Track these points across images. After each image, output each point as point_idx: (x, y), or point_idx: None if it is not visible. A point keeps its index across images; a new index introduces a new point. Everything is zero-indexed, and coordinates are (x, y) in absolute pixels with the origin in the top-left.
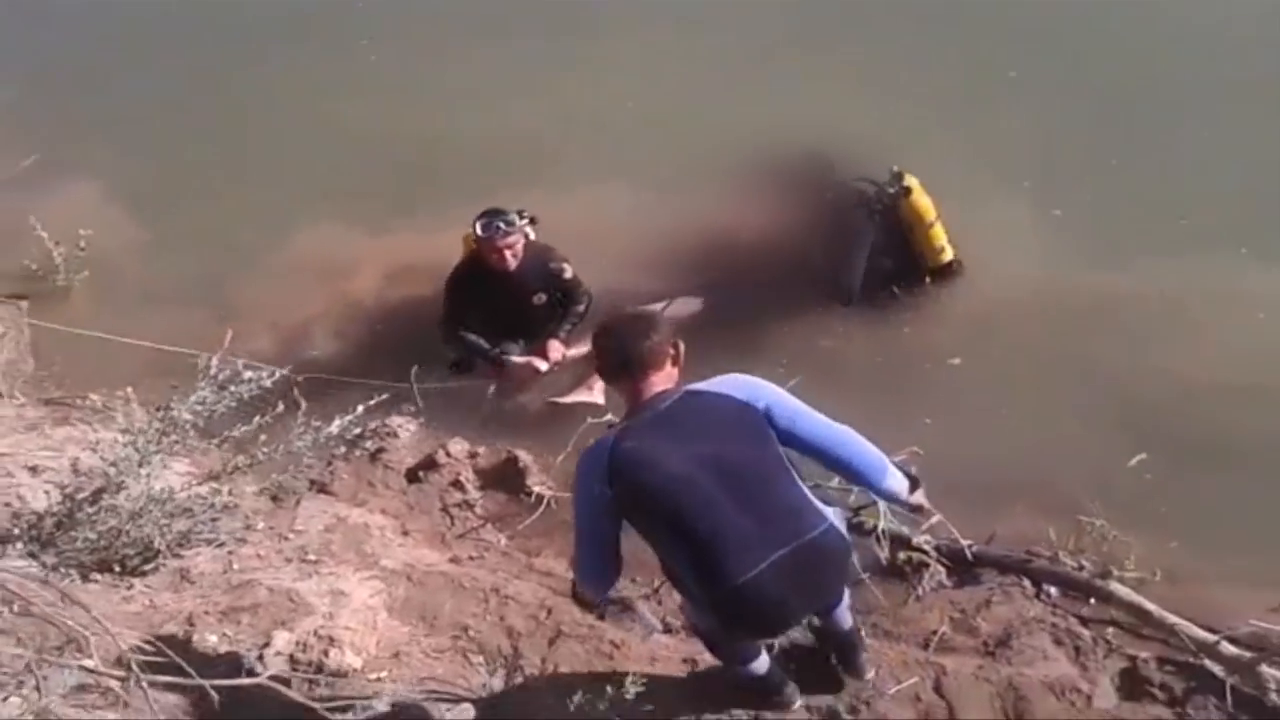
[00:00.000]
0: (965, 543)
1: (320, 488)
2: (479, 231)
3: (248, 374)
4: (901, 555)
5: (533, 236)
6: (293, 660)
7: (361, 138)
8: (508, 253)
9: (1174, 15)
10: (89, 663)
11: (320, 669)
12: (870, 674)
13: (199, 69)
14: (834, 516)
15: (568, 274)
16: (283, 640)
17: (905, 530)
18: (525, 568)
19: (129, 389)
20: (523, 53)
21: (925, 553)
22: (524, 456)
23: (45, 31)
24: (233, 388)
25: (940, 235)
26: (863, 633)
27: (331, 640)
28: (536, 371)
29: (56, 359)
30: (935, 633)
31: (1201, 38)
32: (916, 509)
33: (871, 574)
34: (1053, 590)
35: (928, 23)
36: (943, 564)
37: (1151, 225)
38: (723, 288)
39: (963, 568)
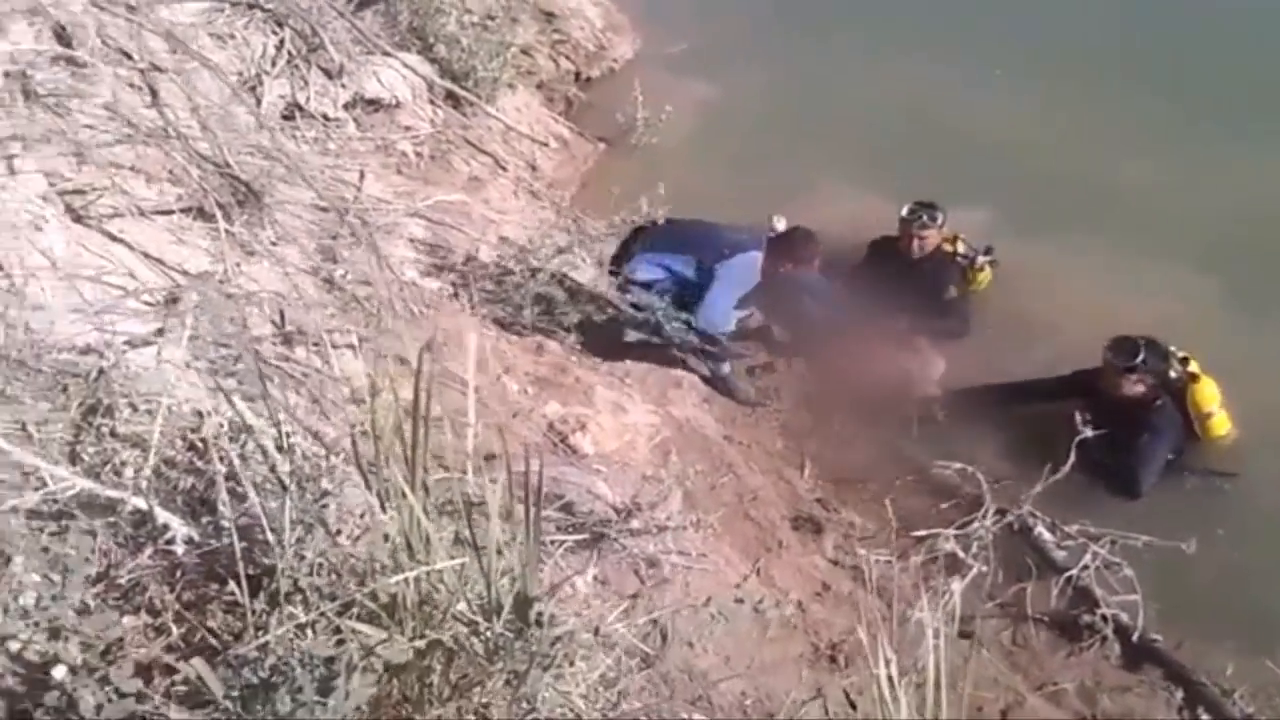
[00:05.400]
0: (1140, 630)
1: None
2: (904, 212)
3: None
4: (1085, 616)
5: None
6: (550, 424)
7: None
8: (915, 241)
9: None
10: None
11: (564, 438)
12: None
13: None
14: None
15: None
16: (553, 408)
17: (1097, 591)
18: (775, 470)
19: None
20: None
21: (1104, 621)
22: None
23: None
24: None
25: (1223, 424)
26: None
27: (583, 426)
28: None
29: (596, 188)
30: (1056, 684)
31: None
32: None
33: (1041, 616)
34: (1203, 716)
35: None
36: (1117, 640)
37: None
38: None
39: (1133, 654)
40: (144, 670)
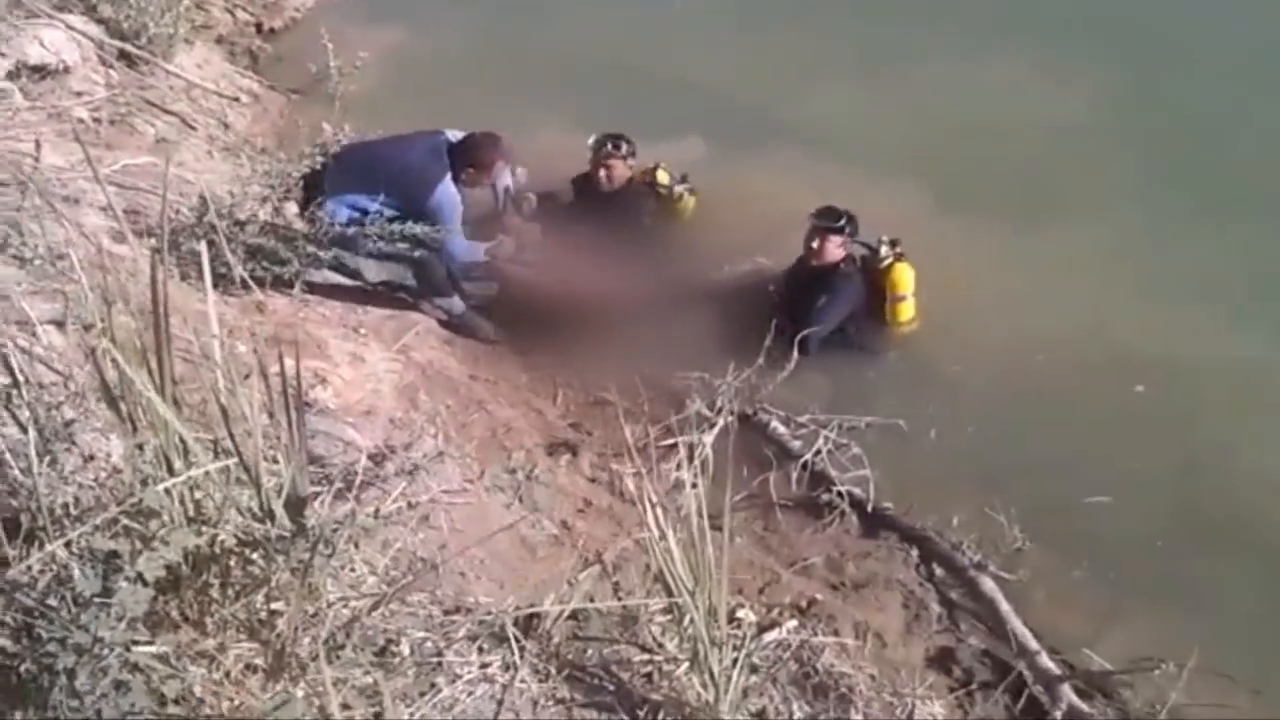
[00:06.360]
0: (872, 501)
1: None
2: (589, 141)
3: None
4: (823, 495)
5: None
6: (283, 379)
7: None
8: (604, 170)
9: None
10: None
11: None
12: None
13: None
14: None
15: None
16: (287, 366)
17: (831, 471)
18: (524, 402)
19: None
20: None
21: (840, 498)
22: None
23: None
24: None
25: (909, 310)
26: None
27: (323, 381)
28: None
29: (294, 140)
30: (805, 559)
31: None
32: None
33: (785, 501)
34: (937, 570)
35: None
36: (854, 513)
37: None
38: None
39: (870, 523)
40: None
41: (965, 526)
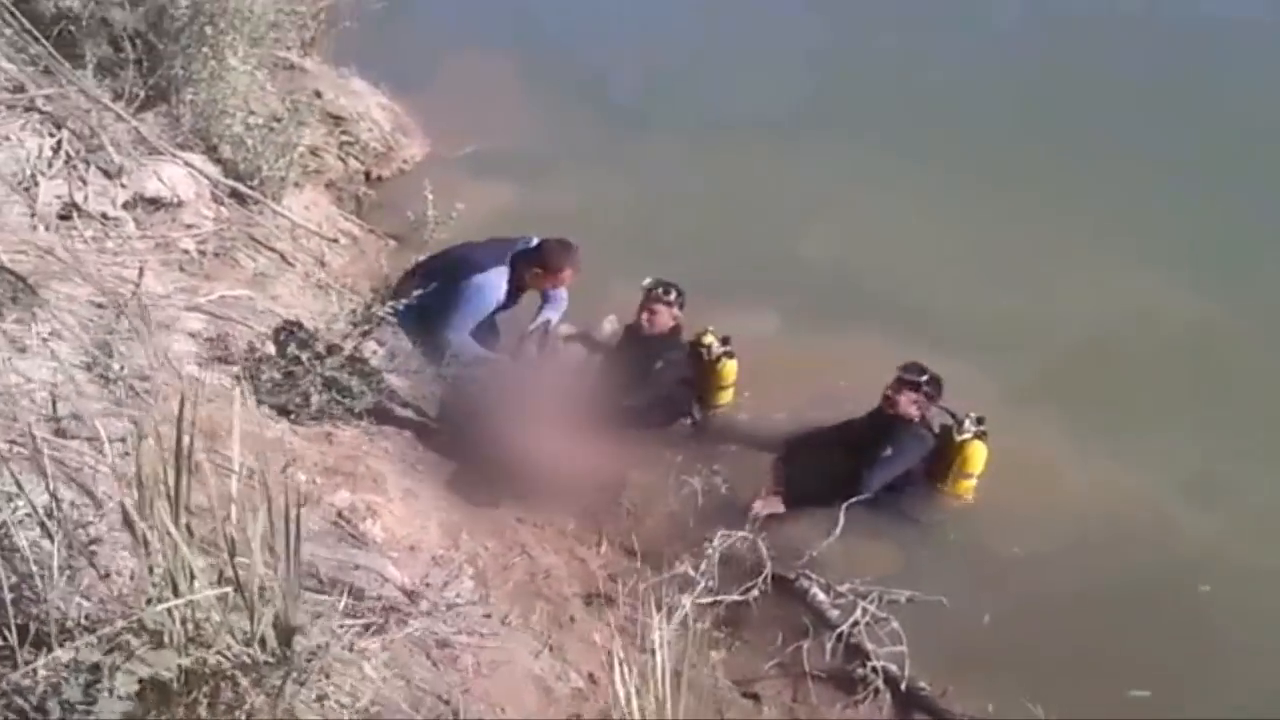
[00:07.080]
0: (907, 679)
1: None
2: (644, 283)
3: None
4: (858, 670)
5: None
6: (339, 513)
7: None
8: (647, 313)
9: None
10: None
11: (354, 526)
12: None
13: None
14: None
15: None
16: (342, 497)
17: (868, 645)
18: (567, 549)
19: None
20: None
21: (875, 674)
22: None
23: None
24: None
25: (969, 490)
26: None
27: (374, 514)
28: None
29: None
30: None
31: None
32: None
33: (818, 672)
34: None
35: None
36: (888, 690)
37: None
38: None
39: (903, 703)
40: None
41: (1000, 712)
